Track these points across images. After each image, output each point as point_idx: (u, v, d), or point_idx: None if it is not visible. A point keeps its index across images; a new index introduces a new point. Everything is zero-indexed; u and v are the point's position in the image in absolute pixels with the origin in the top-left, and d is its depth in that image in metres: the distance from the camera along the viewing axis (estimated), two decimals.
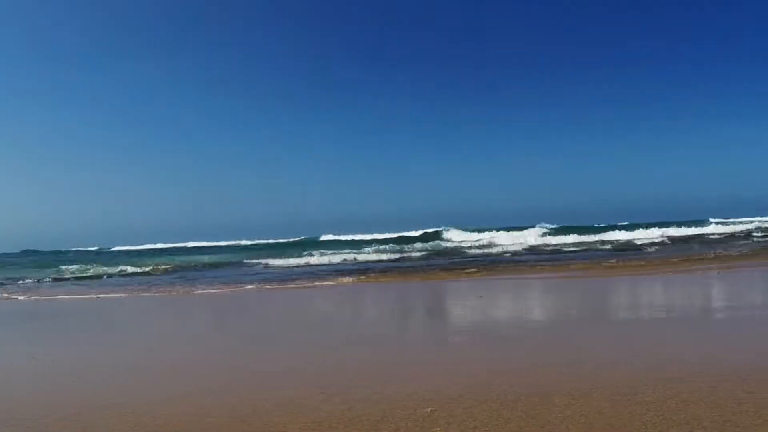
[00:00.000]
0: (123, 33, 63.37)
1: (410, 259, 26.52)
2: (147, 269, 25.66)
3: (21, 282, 21.23)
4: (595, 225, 45.13)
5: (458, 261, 23.49)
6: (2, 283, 20.67)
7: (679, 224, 40.79)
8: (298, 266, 24.63)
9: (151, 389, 5.14)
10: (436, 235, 42.75)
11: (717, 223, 42.58)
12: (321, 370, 5.53)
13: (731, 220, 45.31)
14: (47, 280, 22.18)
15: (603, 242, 32.99)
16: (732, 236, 32.77)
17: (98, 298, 14.47)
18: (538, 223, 43.99)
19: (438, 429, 3.87)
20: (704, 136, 67.93)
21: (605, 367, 5.06)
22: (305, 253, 31.28)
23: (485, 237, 38.80)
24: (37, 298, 15.56)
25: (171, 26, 64.94)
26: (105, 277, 22.96)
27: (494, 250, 29.98)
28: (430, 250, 32.34)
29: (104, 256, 42.99)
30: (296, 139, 73.38)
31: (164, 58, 65.39)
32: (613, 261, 18.08)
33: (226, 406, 4.51)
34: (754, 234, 32.96)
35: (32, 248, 50.24)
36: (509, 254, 27.06)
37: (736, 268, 14.56)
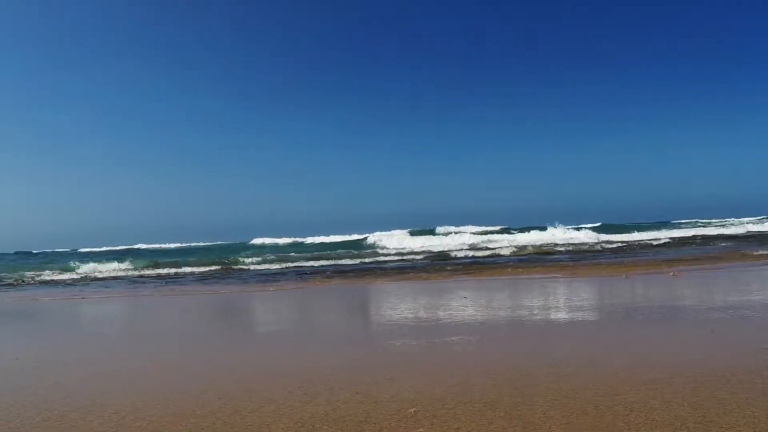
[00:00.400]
0: (106, 34, 63.40)
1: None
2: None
3: None
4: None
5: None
6: None
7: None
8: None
9: (134, 390, 5.01)
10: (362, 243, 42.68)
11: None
12: (303, 371, 5.41)
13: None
14: None
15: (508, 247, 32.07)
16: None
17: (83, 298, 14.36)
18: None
19: (422, 430, 3.77)
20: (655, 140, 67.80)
21: (587, 368, 4.95)
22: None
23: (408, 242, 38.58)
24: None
25: (157, 27, 64.96)
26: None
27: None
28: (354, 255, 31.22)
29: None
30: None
31: (146, 58, 64.93)
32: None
33: (209, 407, 4.40)
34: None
35: (29, 249, 49.45)
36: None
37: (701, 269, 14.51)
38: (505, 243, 33.96)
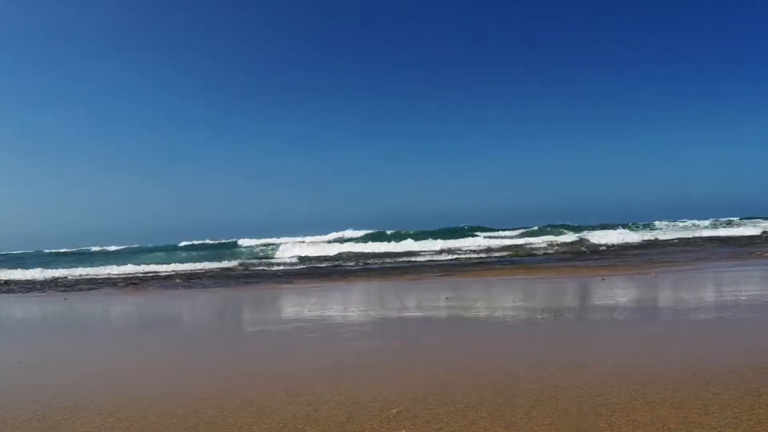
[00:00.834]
0: (91, 34, 61.30)
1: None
2: None
3: None
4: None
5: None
6: None
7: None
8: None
9: (116, 391, 4.89)
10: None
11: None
12: (286, 372, 5.30)
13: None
14: None
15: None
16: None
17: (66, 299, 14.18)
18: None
19: (404, 430, 3.68)
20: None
21: (569, 368, 4.84)
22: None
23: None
24: None
25: (140, 28, 62.62)
26: None
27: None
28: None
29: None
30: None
31: (131, 59, 62.75)
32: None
33: (191, 407, 4.29)
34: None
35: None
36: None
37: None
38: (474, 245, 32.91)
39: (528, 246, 31.09)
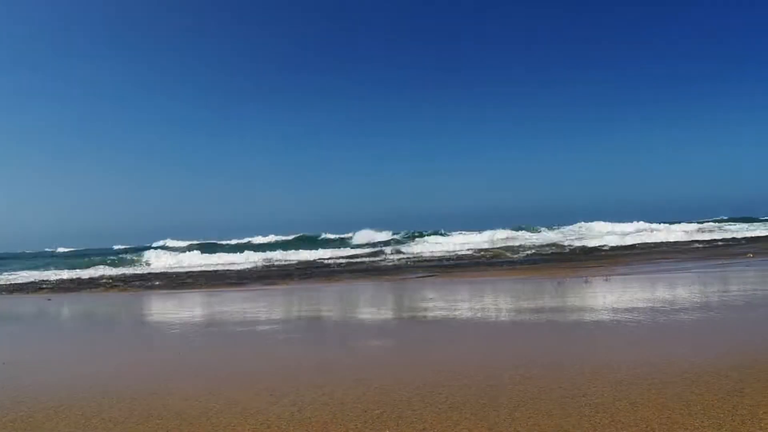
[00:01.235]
0: (75, 34, 61.03)
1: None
2: None
3: None
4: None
5: None
6: None
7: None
8: None
9: (100, 391, 4.77)
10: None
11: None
12: (269, 372, 5.20)
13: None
14: None
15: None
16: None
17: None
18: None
19: (388, 431, 3.58)
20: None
21: (553, 369, 4.73)
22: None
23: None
24: None
25: (122, 28, 62.27)
26: None
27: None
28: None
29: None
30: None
31: (112, 59, 62.60)
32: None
33: (174, 408, 4.18)
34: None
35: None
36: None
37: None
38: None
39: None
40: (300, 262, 26.45)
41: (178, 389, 4.71)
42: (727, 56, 60.19)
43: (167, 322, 9.68)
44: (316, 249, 32.83)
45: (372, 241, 37.52)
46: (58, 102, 64.70)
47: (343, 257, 28.70)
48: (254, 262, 28.46)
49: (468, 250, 29.87)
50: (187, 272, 23.07)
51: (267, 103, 68.59)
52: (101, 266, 28.66)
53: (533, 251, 26.31)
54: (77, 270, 26.58)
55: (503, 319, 7.83)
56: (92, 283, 19.38)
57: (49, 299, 14.08)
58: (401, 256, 28.26)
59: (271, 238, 42.89)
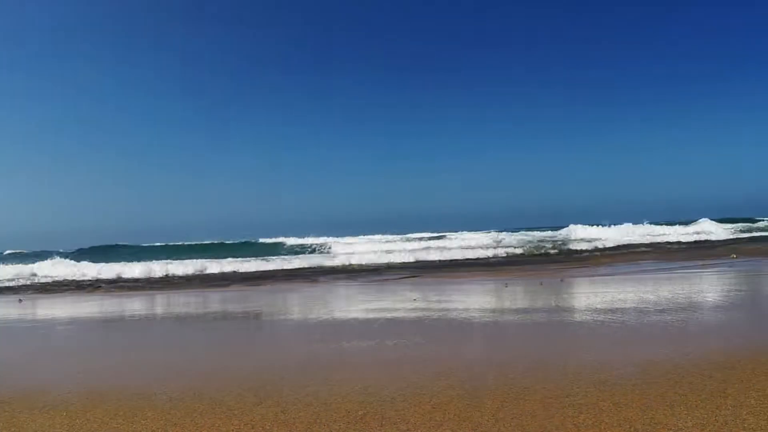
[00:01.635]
0: (56, 32, 56.94)
1: None
2: None
3: None
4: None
5: None
6: None
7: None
8: None
9: (84, 392, 4.63)
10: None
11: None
12: (253, 373, 5.03)
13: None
14: None
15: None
16: None
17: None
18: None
19: None
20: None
21: (536, 369, 4.61)
22: None
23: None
24: None
25: (98, 28, 58.69)
26: None
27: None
28: None
29: None
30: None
31: (91, 58, 59.44)
32: None
33: (159, 409, 4.05)
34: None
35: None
36: None
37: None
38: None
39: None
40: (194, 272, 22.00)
41: (164, 390, 4.59)
42: (728, 56, 58.56)
43: None
44: (227, 256, 27.50)
45: (306, 244, 34.10)
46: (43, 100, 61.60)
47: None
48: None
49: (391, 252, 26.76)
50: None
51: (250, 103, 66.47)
52: None
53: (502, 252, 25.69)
54: None
55: (486, 319, 7.71)
56: None
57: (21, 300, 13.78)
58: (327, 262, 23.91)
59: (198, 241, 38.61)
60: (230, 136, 65.82)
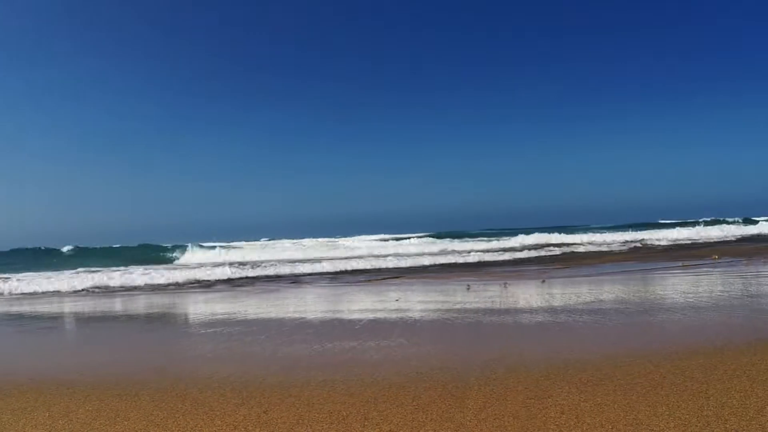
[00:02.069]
0: (30, 33, 53.70)
1: None
2: None
3: None
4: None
5: None
6: None
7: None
8: None
9: (66, 393, 4.46)
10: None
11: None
12: (235, 373, 4.85)
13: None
14: None
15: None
16: None
17: None
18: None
19: None
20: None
21: (519, 370, 4.46)
22: None
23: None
24: None
25: (78, 28, 55.36)
26: None
27: None
28: None
29: None
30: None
31: (69, 58, 56.00)
32: None
33: (142, 410, 3.90)
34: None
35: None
36: None
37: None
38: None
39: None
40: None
41: (144, 390, 4.43)
42: (728, 56, 56.64)
43: None
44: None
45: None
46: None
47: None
48: None
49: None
50: None
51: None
52: None
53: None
54: None
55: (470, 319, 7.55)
56: None
57: None
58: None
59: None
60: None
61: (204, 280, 16.46)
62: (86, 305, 11.73)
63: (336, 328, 7.18)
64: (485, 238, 35.83)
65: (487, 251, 25.10)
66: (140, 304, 11.54)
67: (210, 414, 3.75)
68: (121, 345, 6.85)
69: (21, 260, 27.53)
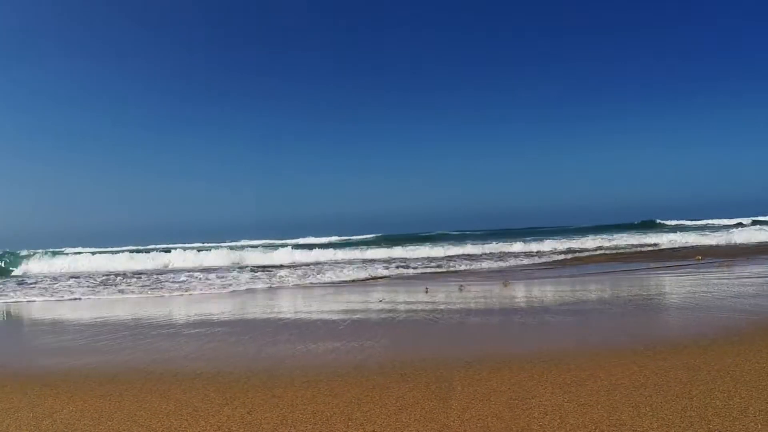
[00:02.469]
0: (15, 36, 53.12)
1: None
2: None
3: None
4: None
5: None
6: None
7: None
8: None
9: (51, 393, 4.31)
10: None
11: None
12: (219, 374, 4.70)
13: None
14: None
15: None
16: None
17: None
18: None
19: None
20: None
21: (502, 370, 4.32)
22: None
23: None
24: None
25: (61, 26, 54.74)
26: None
27: None
28: None
29: None
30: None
31: (49, 58, 54.66)
32: None
33: (126, 410, 3.76)
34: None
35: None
36: None
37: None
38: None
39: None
40: None
41: (128, 391, 4.29)
42: (728, 56, 55.51)
43: None
44: None
45: None
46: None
47: None
48: None
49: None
50: None
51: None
52: None
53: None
54: None
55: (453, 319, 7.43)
56: None
57: None
58: None
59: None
60: None
61: None
62: None
63: (316, 326, 7.03)
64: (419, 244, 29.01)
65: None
66: None
67: (194, 414, 3.61)
68: None
69: None
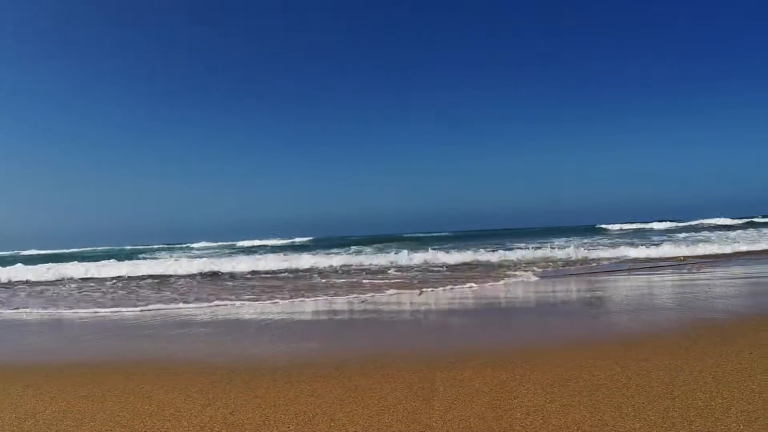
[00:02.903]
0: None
1: None
2: None
3: None
4: None
5: None
6: None
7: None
8: None
9: (34, 394, 4.16)
10: None
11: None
12: (202, 374, 4.54)
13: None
14: None
15: None
16: None
17: None
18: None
19: None
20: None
21: (484, 371, 4.17)
22: None
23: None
24: None
25: (52, 28, 56.28)
26: None
27: None
28: None
29: None
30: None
31: (39, 60, 56.19)
32: None
33: (108, 411, 3.61)
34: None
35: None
36: None
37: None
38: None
39: None
40: None
41: (110, 392, 4.14)
42: (729, 56, 55.77)
43: None
44: None
45: None
46: None
47: None
48: None
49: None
50: None
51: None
52: None
53: None
54: None
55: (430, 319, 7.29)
56: None
57: None
58: None
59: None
60: None
61: None
62: None
63: (303, 327, 6.89)
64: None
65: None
66: None
67: (176, 415, 3.47)
68: None
69: None
